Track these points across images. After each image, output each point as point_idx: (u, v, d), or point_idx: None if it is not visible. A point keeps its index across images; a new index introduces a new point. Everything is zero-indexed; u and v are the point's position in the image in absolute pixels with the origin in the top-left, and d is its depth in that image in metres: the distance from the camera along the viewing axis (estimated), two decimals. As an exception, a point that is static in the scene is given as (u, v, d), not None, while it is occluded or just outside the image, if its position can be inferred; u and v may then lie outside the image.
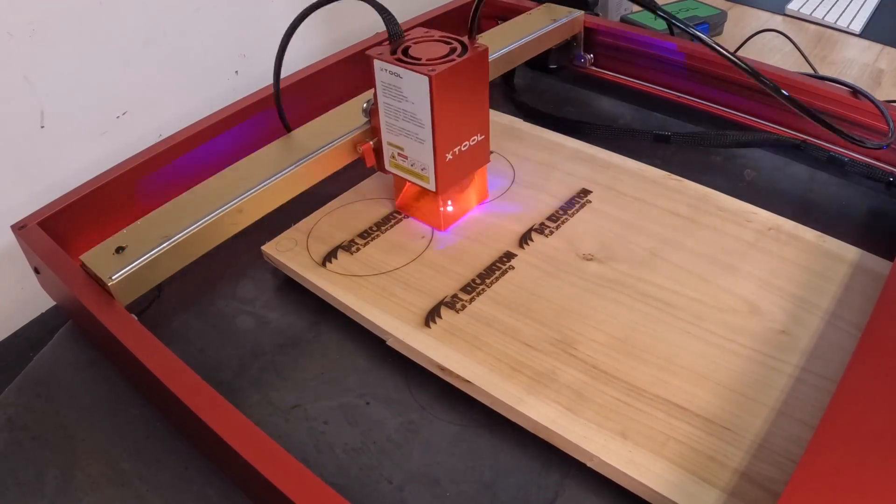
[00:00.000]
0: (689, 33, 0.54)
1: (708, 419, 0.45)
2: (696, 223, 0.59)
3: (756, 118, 0.72)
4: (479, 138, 0.58)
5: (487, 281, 0.55)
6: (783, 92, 0.54)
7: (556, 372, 0.48)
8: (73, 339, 0.56)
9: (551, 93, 0.83)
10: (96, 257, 0.51)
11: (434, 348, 0.50)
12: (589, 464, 0.43)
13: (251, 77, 0.81)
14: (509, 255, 0.57)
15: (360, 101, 0.64)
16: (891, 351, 0.42)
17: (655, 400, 0.46)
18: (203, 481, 0.45)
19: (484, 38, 0.74)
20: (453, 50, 0.54)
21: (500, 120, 0.74)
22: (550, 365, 0.48)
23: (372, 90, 0.56)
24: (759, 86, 0.54)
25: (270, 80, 0.68)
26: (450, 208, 0.60)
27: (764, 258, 0.56)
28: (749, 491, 0.40)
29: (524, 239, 0.59)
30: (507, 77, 0.83)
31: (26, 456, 0.47)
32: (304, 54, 0.86)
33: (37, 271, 0.56)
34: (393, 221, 0.62)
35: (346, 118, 0.63)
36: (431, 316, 0.52)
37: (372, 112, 0.59)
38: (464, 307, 0.53)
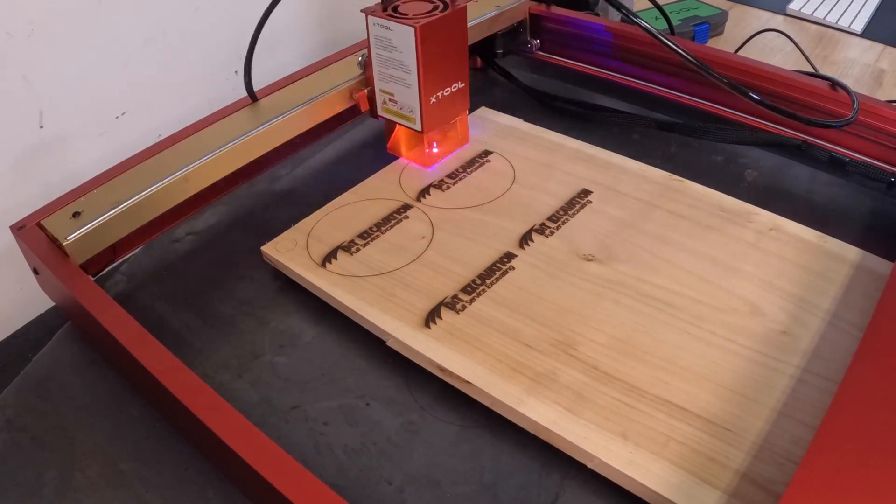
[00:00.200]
0: (630, 20, 0.66)
1: (709, 420, 0.44)
2: (697, 224, 0.59)
3: (730, 109, 0.73)
4: (460, 86, 0.66)
5: (488, 281, 0.55)
6: (712, 71, 0.61)
7: (556, 373, 0.48)
8: (73, 340, 0.55)
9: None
10: (55, 221, 0.55)
11: (434, 349, 0.50)
12: (589, 465, 0.43)
13: (251, 77, 0.81)
14: (510, 256, 0.57)
15: (331, 72, 0.71)
16: (892, 351, 0.41)
17: (656, 401, 0.46)
18: (203, 482, 0.45)
19: None
20: (436, 7, 0.62)
21: (500, 120, 0.74)
22: (551, 366, 0.48)
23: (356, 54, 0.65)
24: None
25: (270, 81, 0.69)
26: (435, 150, 0.68)
27: (765, 258, 0.56)
28: (750, 492, 0.40)
29: (524, 239, 0.59)
30: (487, 55, 0.86)
31: (25, 457, 0.47)
32: (305, 54, 0.86)
33: (36, 272, 0.56)
34: (393, 222, 0.61)
35: (316, 83, 0.69)
36: (431, 316, 0.52)
37: (366, 64, 0.67)
38: (464, 308, 0.53)
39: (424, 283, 0.55)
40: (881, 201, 0.64)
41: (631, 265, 0.56)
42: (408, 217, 0.62)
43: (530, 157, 0.68)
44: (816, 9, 1.04)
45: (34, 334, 0.59)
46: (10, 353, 0.58)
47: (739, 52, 0.86)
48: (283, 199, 0.68)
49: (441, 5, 0.62)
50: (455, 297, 0.54)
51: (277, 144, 0.65)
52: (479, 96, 0.78)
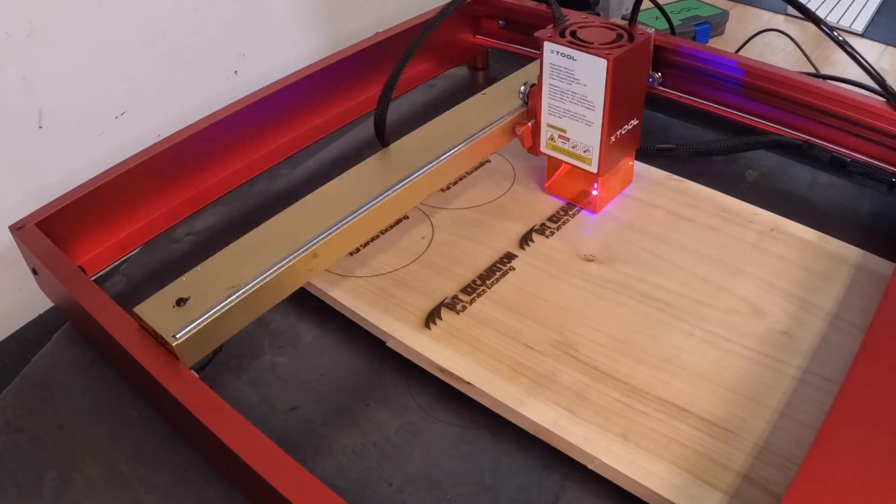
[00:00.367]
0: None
1: (710, 421, 0.44)
2: (698, 224, 0.59)
3: (764, 120, 0.71)
4: (635, 122, 0.59)
5: (488, 282, 0.55)
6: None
7: (556, 373, 0.48)
8: (72, 341, 0.55)
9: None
10: (154, 310, 0.45)
11: (434, 350, 0.50)
12: (590, 466, 0.43)
13: (251, 77, 0.81)
14: (510, 256, 0.57)
15: (450, 119, 0.62)
16: (893, 352, 0.41)
17: (657, 402, 0.46)
18: (202, 483, 0.45)
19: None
20: (620, 36, 0.55)
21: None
22: (551, 366, 0.48)
23: (456, 113, 0.57)
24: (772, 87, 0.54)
25: (270, 80, 0.68)
26: (595, 191, 0.61)
27: (766, 259, 0.55)
28: (751, 493, 0.40)
29: (525, 240, 0.59)
30: None
31: (24, 458, 0.47)
32: (305, 54, 0.86)
33: (35, 272, 0.56)
34: (393, 223, 0.61)
35: (443, 134, 0.60)
36: (432, 317, 0.52)
37: (531, 94, 0.60)
38: (464, 308, 0.53)
39: (424, 284, 0.55)
40: (882, 202, 0.64)
41: (631, 265, 0.56)
42: (408, 217, 0.62)
43: (531, 157, 0.68)
44: (817, 9, 1.04)
45: (33, 335, 0.59)
46: (9, 354, 0.58)
47: (740, 52, 0.86)
48: (283, 200, 0.68)
49: (624, 34, 0.55)
50: (455, 297, 0.54)
51: (425, 196, 0.57)
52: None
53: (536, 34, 0.56)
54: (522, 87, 0.61)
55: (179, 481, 0.45)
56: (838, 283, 0.53)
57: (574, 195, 0.63)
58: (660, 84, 0.74)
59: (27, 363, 0.54)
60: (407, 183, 0.55)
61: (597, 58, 0.52)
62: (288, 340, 0.54)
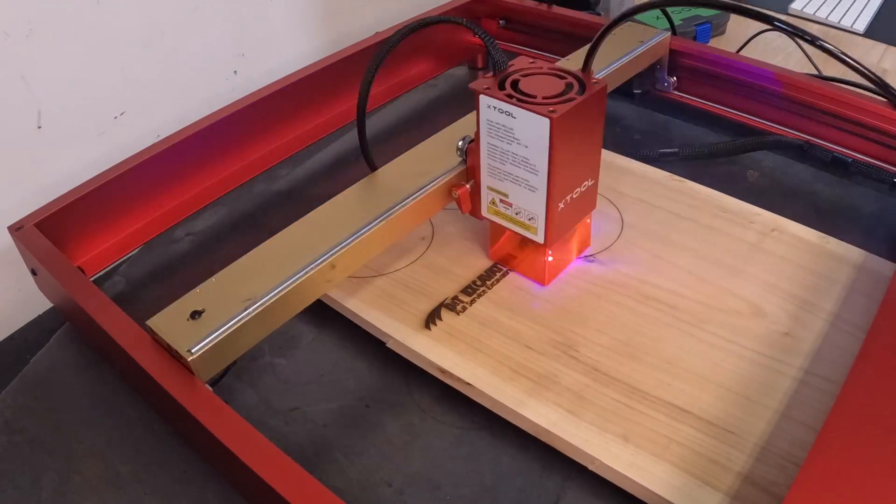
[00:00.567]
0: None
1: (710, 422, 0.44)
2: (699, 224, 0.59)
3: (765, 120, 0.70)
4: (590, 183, 0.52)
5: (488, 283, 0.55)
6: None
7: (557, 374, 0.48)
8: (71, 341, 0.55)
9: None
10: (168, 322, 0.43)
11: (434, 350, 0.50)
12: (590, 467, 0.43)
13: (250, 77, 0.81)
14: (510, 257, 0.57)
15: (448, 135, 0.57)
16: (894, 353, 0.41)
17: (657, 402, 0.46)
18: (202, 484, 0.45)
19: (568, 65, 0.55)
20: (569, 86, 0.48)
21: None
22: (552, 367, 0.48)
23: (464, 123, 0.52)
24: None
25: (270, 80, 0.68)
26: (549, 258, 0.54)
27: (767, 260, 0.55)
28: (752, 494, 0.40)
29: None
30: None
31: (23, 459, 0.47)
32: (305, 54, 0.85)
33: (34, 273, 0.56)
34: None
35: (433, 155, 0.56)
36: (432, 318, 0.52)
37: (469, 151, 0.53)
38: (464, 309, 0.53)
39: (425, 285, 0.55)
40: (883, 202, 0.63)
41: (632, 266, 0.56)
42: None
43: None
44: (818, 8, 1.04)
45: (32, 336, 0.59)
46: (8, 355, 0.58)
47: (741, 52, 0.86)
48: (282, 200, 0.68)
49: (575, 83, 0.48)
50: (455, 298, 0.54)
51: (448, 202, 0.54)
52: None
53: (471, 85, 0.49)
54: (460, 143, 0.53)
55: (179, 482, 0.45)
56: (839, 284, 0.53)
57: (521, 265, 0.56)
58: (675, 88, 0.73)
59: (26, 364, 0.54)
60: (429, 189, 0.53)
61: (538, 116, 0.45)
62: (287, 341, 0.54)
